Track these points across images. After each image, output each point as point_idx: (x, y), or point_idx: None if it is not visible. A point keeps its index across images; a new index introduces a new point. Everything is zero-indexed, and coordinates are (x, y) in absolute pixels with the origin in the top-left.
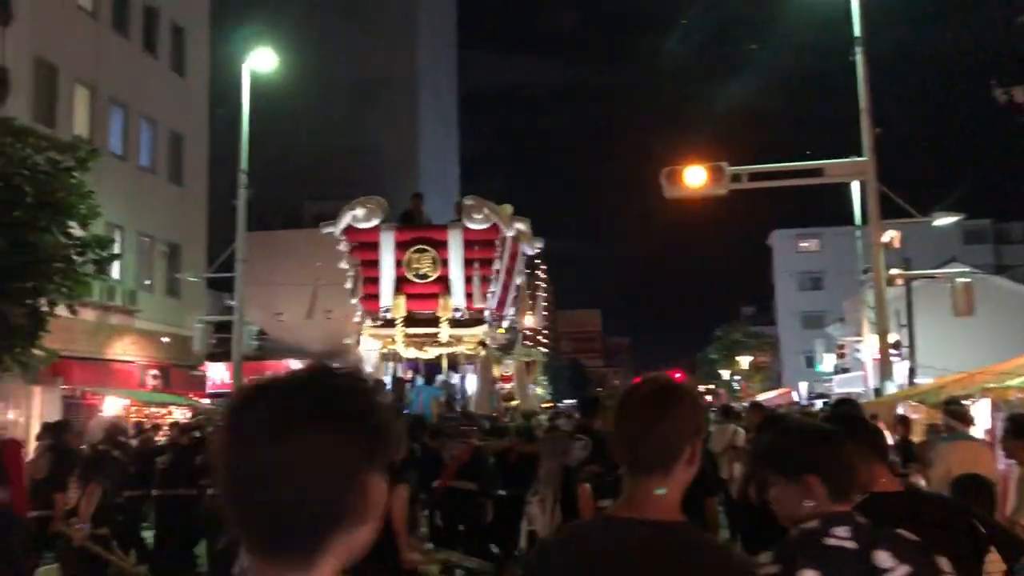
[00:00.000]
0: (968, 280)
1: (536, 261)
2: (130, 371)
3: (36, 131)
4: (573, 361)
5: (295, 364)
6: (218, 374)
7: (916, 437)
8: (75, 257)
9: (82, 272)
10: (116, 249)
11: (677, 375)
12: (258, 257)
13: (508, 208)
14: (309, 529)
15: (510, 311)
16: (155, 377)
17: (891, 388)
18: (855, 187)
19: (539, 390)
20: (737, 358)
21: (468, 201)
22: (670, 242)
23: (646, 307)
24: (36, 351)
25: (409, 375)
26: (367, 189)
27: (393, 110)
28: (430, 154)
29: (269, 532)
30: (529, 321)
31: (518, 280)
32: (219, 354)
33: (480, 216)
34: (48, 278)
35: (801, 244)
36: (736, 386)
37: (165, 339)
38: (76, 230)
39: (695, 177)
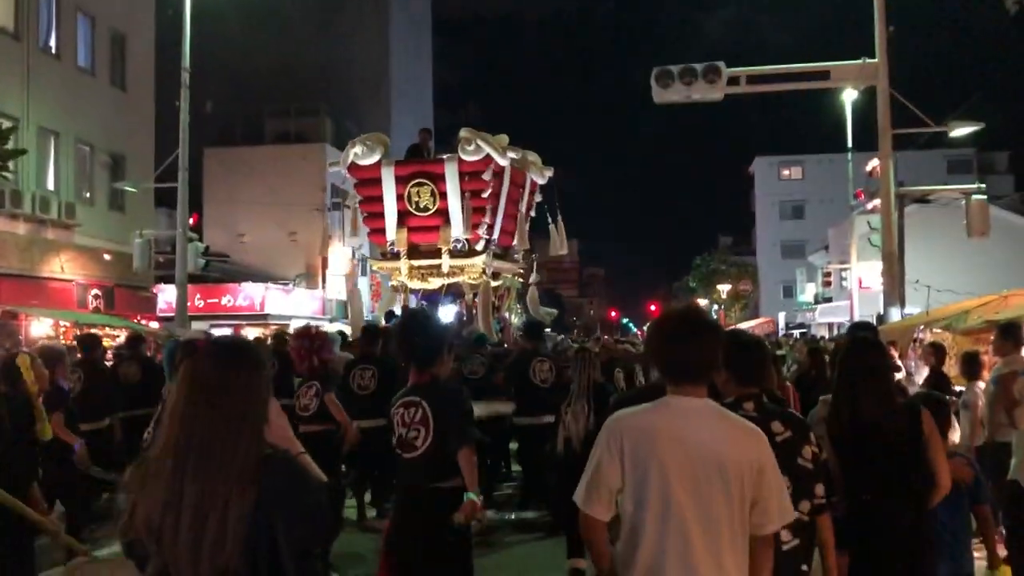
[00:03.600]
0: (984, 197)
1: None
2: (68, 290)
3: None
4: (549, 291)
5: (256, 287)
6: (171, 296)
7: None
8: None
9: None
10: (18, 144)
11: (652, 308)
12: (218, 175)
13: (504, 138)
14: (709, 373)
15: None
16: (96, 297)
17: (895, 315)
18: (848, 109)
19: (515, 319)
20: (717, 287)
21: (462, 133)
22: (648, 172)
23: (623, 237)
24: None
25: (415, 306)
26: (334, 106)
27: (362, 23)
28: (402, 74)
29: (696, 373)
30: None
31: (531, 211)
32: (172, 276)
33: (472, 147)
34: None
35: (784, 172)
36: (715, 315)
37: (107, 256)
38: None
39: (688, 78)
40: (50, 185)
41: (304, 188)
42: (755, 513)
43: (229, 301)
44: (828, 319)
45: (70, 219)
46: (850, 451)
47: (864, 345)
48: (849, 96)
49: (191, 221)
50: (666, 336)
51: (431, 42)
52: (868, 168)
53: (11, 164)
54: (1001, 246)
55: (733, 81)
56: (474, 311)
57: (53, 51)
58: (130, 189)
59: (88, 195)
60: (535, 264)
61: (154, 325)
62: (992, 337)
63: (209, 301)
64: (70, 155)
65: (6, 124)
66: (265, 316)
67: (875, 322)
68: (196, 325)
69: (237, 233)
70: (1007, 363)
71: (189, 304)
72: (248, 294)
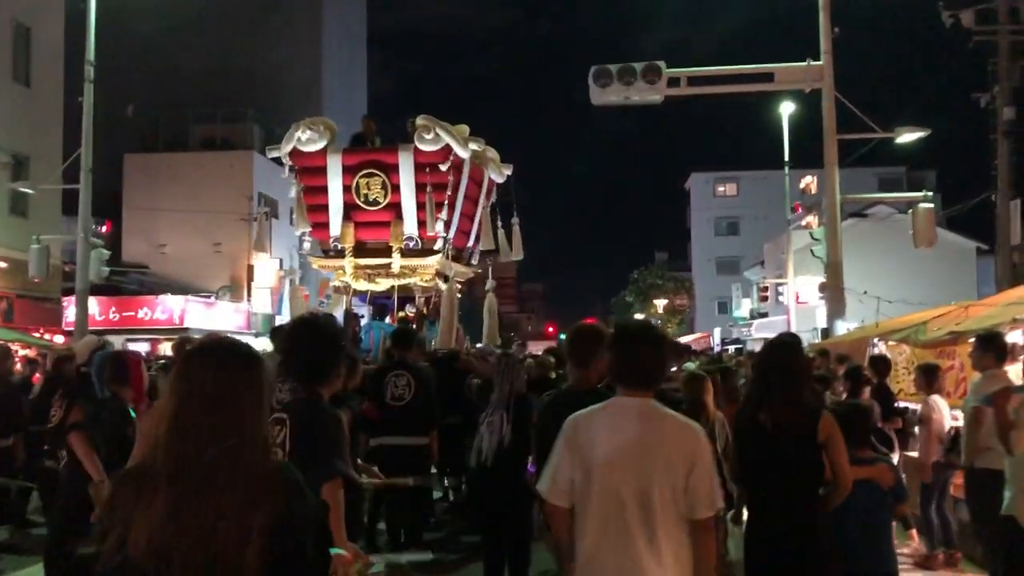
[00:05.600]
0: (932, 206)
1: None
2: None
3: None
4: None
5: (175, 299)
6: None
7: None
8: None
9: None
10: None
11: (589, 320)
12: (139, 181)
13: (464, 128)
14: (656, 379)
15: (479, 243)
16: None
17: (840, 327)
18: (785, 122)
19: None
20: (654, 301)
21: (420, 120)
22: (585, 188)
23: (560, 252)
24: None
25: (361, 310)
26: (262, 113)
27: (293, 29)
28: (335, 82)
29: (645, 378)
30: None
31: (486, 209)
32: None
33: (431, 136)
34: None
35: (719, 188)
36: None
37: (3, 264)
38: None
39: (627, 78)
40: None
41: (230, 197)
42: (687, 499)
43: (146, 314)
44: (764, 334)
45: None
46: (752, 446)
47: (776, 346)
48: (787, 109)
49: (103, 229)
50: (622, 346)
51: (366, 52)
52: (802, 184)
53: None
54: (932, 261)
55: (673, 83)
56: (428, 317)
57: None
58: (27, 191)
59: None
60: (491, 270)
61: (59, 339)
62: (969, 349)
63: (125, 314)
64: None
65: None
66: (185, 330)
67: (820, 335)
68: (114, 340)
69: (158, 243)
70: (991, 378)
71: (104, 317)
72: (167, 307)
